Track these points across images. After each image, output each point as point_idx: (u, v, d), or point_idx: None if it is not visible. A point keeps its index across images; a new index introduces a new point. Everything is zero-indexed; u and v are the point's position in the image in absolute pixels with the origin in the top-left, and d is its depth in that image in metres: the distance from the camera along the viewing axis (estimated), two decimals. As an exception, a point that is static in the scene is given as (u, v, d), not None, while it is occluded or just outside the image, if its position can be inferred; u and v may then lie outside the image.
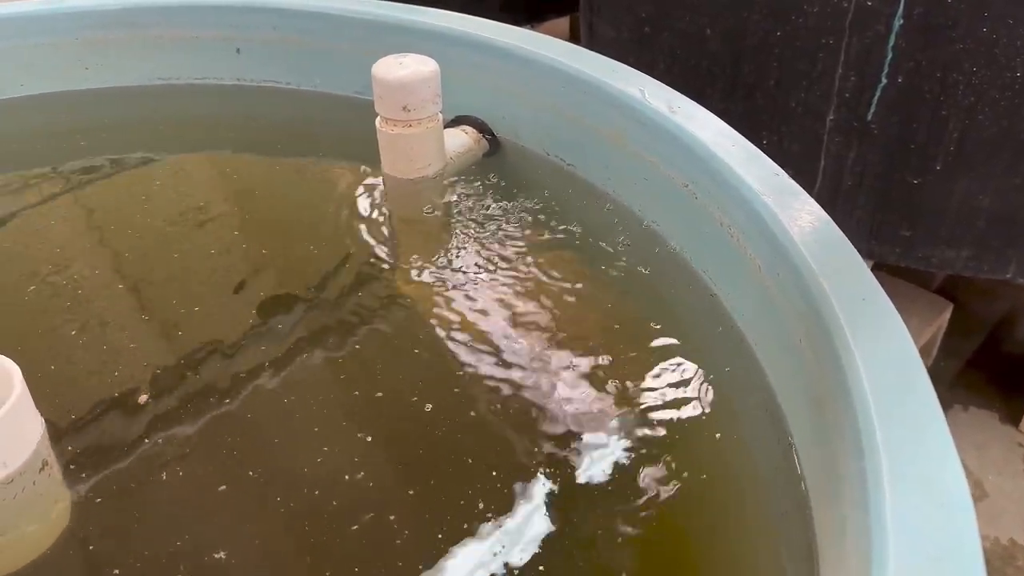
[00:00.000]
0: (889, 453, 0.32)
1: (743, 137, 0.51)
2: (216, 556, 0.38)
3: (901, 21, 0.79)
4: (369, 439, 0.43)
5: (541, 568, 0.37)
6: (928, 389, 0.34)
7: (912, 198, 0.88)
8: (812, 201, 0.45)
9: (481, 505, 0.40)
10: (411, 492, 0.40)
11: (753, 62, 0.89)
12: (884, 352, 0.36)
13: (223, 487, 0.41)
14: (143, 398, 0.41)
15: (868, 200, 0.90)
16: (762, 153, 0.49)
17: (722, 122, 0.53)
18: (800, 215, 0.44)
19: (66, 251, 0.58)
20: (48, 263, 0.57)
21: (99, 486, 0.41)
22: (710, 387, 0.46)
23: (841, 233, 0.43)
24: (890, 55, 0.81)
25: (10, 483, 0.40)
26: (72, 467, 0.42)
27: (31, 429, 0.42)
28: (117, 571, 0.37)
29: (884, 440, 0.32)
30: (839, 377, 0.36)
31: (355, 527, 0.39)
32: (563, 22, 1.69)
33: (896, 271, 1.10)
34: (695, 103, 0.55)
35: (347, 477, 0.41)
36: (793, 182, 0.47)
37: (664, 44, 0.95)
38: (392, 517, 0.39)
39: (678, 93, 0.57)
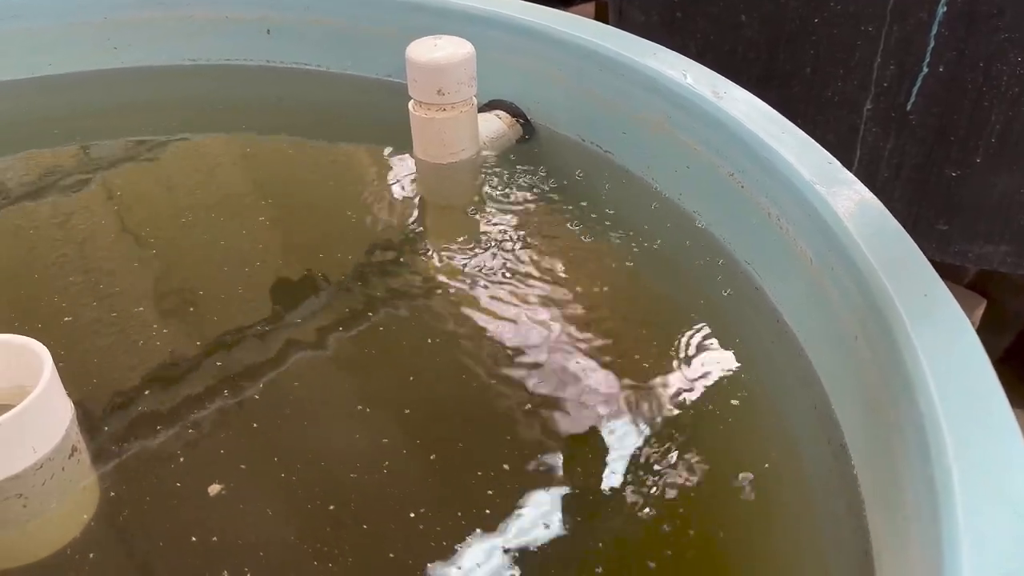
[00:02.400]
0: (959, 458, 0.30)
1: (792, 123, 0.50)
2: (245, 540, 0.37)
3: (944, 8, 0.77)
4: (393, 424, 0.42)
5: (576, 563, 0.36)
6: (998, 390, 0.32)
7: (950, 191, 0.86)
8: (867, 191, 0.44)
9: (505, 493, 0.39)
10: (433, 478, 0.40)
11: (789, 50, 0.87)
12: (949, 350, 0.34)
13: (251, 471, 0.40)
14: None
15: (904, 193, 0.88)
16: (813, 141, 0.48)
17: (770, 108, 0.51)
18: (855, 206, 0.42)
19: (93, 233, 0.58)
20: (75, 245, 0.56)
21: (128, 472, 0.40)
22: (755, 383, 0.45)
23: (899, 225, 0.41)
24: (932, 43, 0.79)
25: (40, 468, 0.39)
26: (101, 453, 0.41)
27: (61, 414, 0.41)
28: (146, 557, 0.37)
29: (953, 444, 0.31)
30: (901, 376, 0.35)
31: (378, 510, 0.38)
32: (588, 8, 1.66)
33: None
34: (741, 88, 0.54)
35: (373, 460, 0.40)
36: (847, 171, 0.45)
37: (697, 30, 0.93)
38: (414, 503, 0.38)
39: (723, 77, 0.55)
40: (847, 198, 0.43)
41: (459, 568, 0.35)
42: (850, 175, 0.45)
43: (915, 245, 0.40)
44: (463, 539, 0.36)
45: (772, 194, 0.48)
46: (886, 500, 0.35)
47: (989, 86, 0.77)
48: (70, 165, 0.66)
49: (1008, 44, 0.75)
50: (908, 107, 0.82)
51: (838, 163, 0.46)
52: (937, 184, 0.85)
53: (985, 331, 1.09)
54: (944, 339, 0.35)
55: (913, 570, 0.30)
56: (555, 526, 0.37)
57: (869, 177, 0.88)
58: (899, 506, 0.33)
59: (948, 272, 1.12)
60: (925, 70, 0.80)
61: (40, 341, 0.41)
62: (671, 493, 0.39)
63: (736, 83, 0.58)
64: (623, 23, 1.04)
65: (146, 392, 0.44)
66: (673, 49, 0.71)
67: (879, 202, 0.43)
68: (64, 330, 0.49)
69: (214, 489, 0.39)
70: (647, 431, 0.42)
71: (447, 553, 0.36)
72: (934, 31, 0.78)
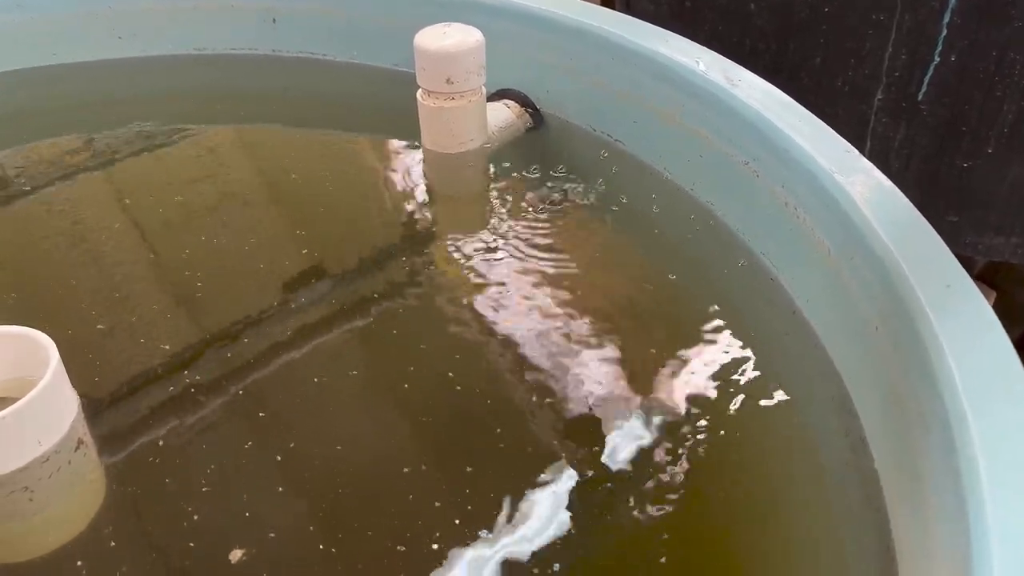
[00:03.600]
0: (985, 450, 0.29)
1: (808, 111, 0.49)
2: (253, 532, 0.37)
3: (957, -3, 0.75)
4: (401, 414, 0.42)
5: (587, 557, 0.35)
6: (1025, 383, 0.32)
7: (961, 182, 0.85)
8: (886, 179, 0.43)
9: (513, 482, 0.38)
10: (439, 467, 0.39)
11: (799, 40, 0.86)
12: (974, 342, 0.34)
13: (258, 462, 0.40)
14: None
15: (914, 184, 0.87)
16: (830, 129, 0.47)
17: (785, 95, 0.50)
18: (874, 194, 0.42)
19: (100, 224, 0.57)
20: (82, 236, 0.56)
21: (134, 464, 0.40)
22: (770, 377, 0.44)
23: (920, 215, 0.40)
24: (944, 32, 0.78)
25: (46, 462, 0.39)
26: (108, 445, 0.41)
27: (67, 407, 0.40)
28: (153, 551, 0.36)
29: (979, 437, 0.30)
30: (923, 368, 0.34)
31: (382, 499, 0.38)
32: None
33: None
34: (756, 75, 0.53)
35: (377, 450, 0.40)
36: (864, 160, 0.44)
37: (706, 20, 0.92)
38: (421, 491, 0.38)
39: (737, 64, 0.54)
40: (866, 186, 0.42)
41: (466, 565, 0.35)
42: (868, 163, 0.44)
43: (937, 235, 0.39)
44: (474, 542, 0.36)
45: (788, 183, 0.47)
46: (909, 495, 0.34)
47: (1001, 76, 0.76)
48: (76, 156, 0.65)
49: (1022, 33, 0.74)
50: (919, 97, 0.81)
51: (856, 151, 0.45)
52: (948, 175, 0.84)
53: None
54: (968, 330, 0.34)
55: (939, 567, 0.30)
56: (567, 518, 0.37)
57: (879, 168, 0.86)
58: (922, 501, 0.33)
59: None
60: (937, 59, 0.79)
61: (47, 333, 0.40)
62: (687, 487, 0.38)
63: (746, 72, 0.58)
64: (631, 13, 1.02)
65: (154, 384, 0.44)
66: (683, 39, 0.70)
67: (899, 191, 0.42)
68: (71, 322, 0.48)
69: (219, 477, 0.39)
70: (661, 424, 0.41)
71: (457, 553, 0.35)
72: (946, 20, 0.76)
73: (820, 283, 0.45)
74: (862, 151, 0.87)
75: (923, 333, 0.34)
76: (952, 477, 0.30)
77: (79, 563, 0.36)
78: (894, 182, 0.87)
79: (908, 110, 0.82)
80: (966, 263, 1.08)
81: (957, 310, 0.35)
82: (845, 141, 0.46)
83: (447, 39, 0.57)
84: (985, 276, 1.12)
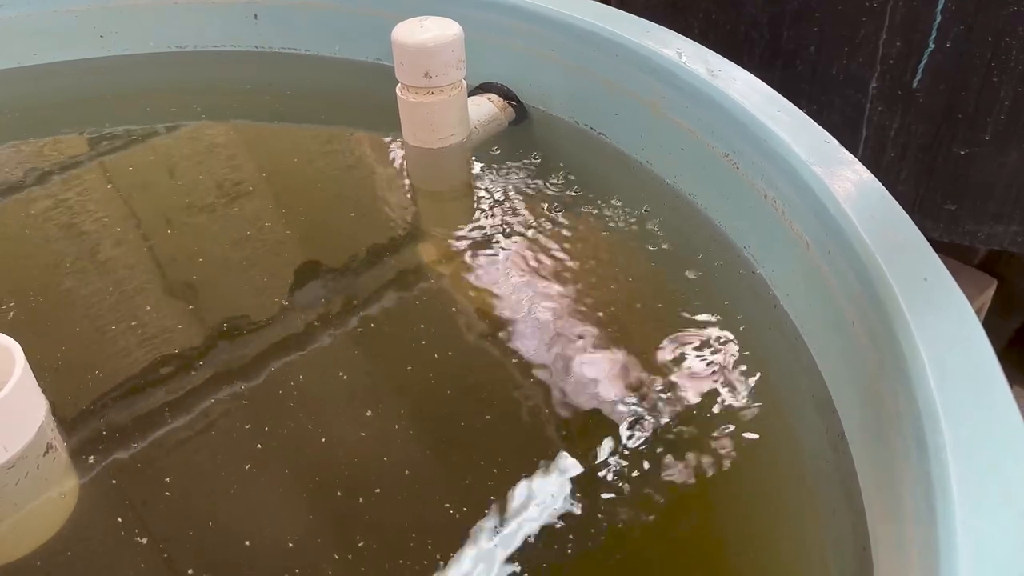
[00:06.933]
0: (957, 454, 0.29)
1: (789, 102, 0.48)
2: (232, 539, 0.36)
3: (952, -19, 0.74)
4: (390, 412, 0.41)
5: (574, 555, 0.35)
6: (1002, 382, 0.31)
7: (958, 170, 0.84)
8: (866, 171, 0.42)
9: (505, 481, 0.38)
10: (434, 464, 0.39)
11: (793, 28, 0.85)
12: (950, 339, 0.33)
13: (239, 468, 0.39)
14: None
15: (911, 172, 0.86)
16: (810, 119, 0.46)
17: (766, 86, 0.49)
18: (853, 187, 0.41)
19: (78, 223, 0.57)
20: (60, 235, 0.55)
21: (108, 469, 0.39)
22: (751, 372, 0.43)
23: (899, 207, 0.39)
24: (939, 18, 0.77)
25: (12, 468, 0.38)
26: (80, 450, 0.40)
27: (33, 411, 0.40)
28: (126, 560, 0.36)
29: (952, 439, 0.29)
30: (898, 366, 0.33)
31: (377, 498, 0.37)
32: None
33: (936, 246, 1.05)
34: (737, 66, 0.52)
35: (368, 450, 0.39)
36: (845, 151, 0.43)
37: (699, 8, 0.91)
38: (416, 488, 0.38)
39: (718, 55, 0.53)
40: (845, 179, 0.41)
41: (465, 562, 0.34)
42: (849, 155, 0.43)
43: (916, 228, 0.39)
44: (468, 535, 0.36)
45: (767, 175, 0.46)
46: (884, 496, 0.34)
47: (998, 61, 0.75)
48: (57, 155, 0.65)
49: (1017, 17, 0.72)
50: (914, 84, 0.80)
51: (836, 142, 0.44)
52: (945, 163, 0.83)
53: (995, 312, 1.07)
54: (944, 327, 0.33)
55: (911, 571, 0.29)
56: (555, 517, 0.36)
57: (875, 157, 0.85)
58: (897, 503, 0.32)
59: (958, 252, 1.10)
60: (932, 46, 0.78)
61: (28, 334, 0.40)
62: (666, 483, 0.38)
63: (740, 63, 0.56)
64: (625, 4, 1.01)
65: (129, 388, 0.43)
66: (676, 28, 0.69)
67: (879, 183, 0.41)
68: (44, 322, 0.48)
69: (197, 483, 0.38)
70: (642, 420, 0.41)
71: (455, 550, 0.35)
72: (941, 5, 0.75)
73: (800, 277, 0.44)
74: (859, 140, 0.86)
75: (897, 329, 0.34)
76: (924, 480, 0.29)
77: (49, 572, 0.35)
78: (891, 171, 0.86)
79: (904, 98, 0.81)
80: (967, 252, 1.07)
81: (933, 305, 0.34)
82: (825, 132, 0.45)
83: (424, 33, 0.56)
84: (987, 265, 1.11)
